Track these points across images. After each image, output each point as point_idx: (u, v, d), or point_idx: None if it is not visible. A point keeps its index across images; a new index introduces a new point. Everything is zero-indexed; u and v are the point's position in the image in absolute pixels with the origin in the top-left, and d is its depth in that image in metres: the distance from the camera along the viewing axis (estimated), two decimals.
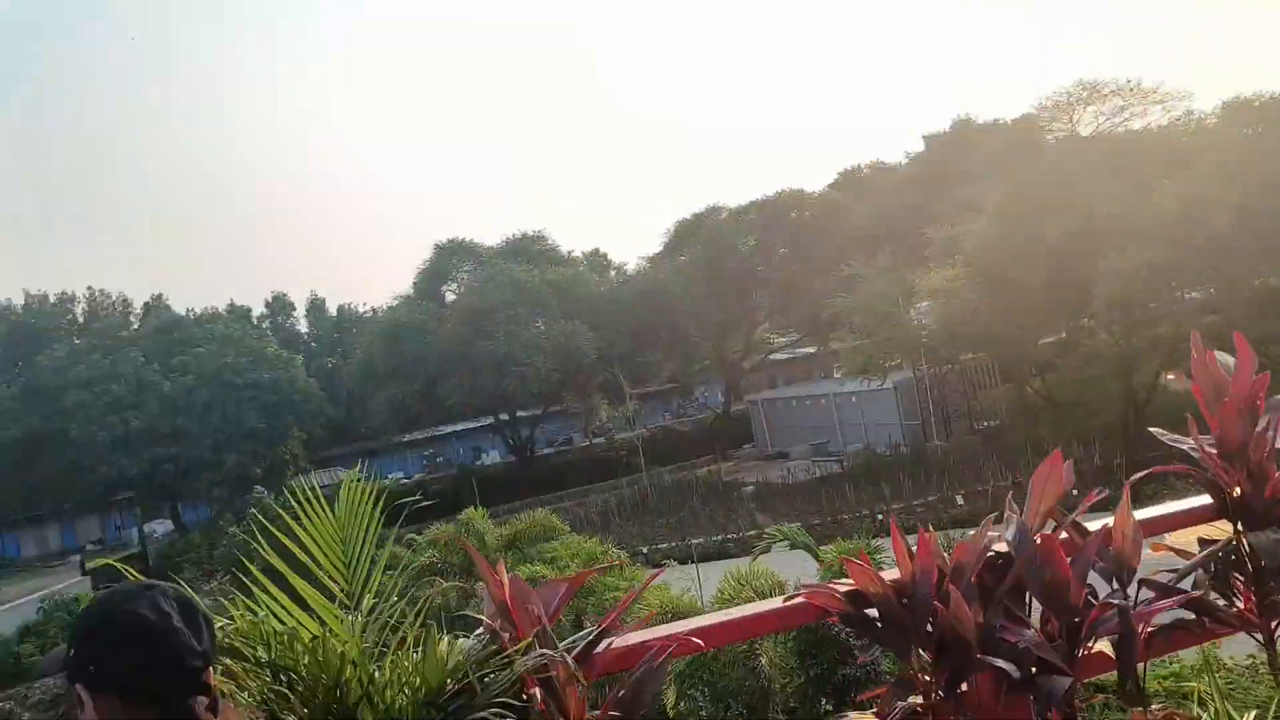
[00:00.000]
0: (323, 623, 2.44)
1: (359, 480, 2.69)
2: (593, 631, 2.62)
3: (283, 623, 2.40)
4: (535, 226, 61.46)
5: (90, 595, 32.63)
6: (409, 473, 56.17)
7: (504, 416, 51.53)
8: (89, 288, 70.55)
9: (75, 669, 1.54)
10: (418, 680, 2.43)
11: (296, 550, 2.60)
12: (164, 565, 37.47)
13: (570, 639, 2.63)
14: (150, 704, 1.52)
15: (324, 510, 2.61)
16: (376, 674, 2.40)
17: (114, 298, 68.94)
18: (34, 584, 40.43)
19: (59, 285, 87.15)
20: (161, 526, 48.87)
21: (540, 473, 48.39)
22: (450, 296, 52.06)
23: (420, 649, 2.49)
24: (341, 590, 2.57)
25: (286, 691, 2.36)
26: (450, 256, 52.84)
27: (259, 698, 2.42)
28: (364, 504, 2.63)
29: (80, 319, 66.23)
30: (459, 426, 59.11)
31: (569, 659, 2.44)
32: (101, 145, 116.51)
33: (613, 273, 56.59)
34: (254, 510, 25.06)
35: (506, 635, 2.52)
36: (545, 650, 2.43)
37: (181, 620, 1.57)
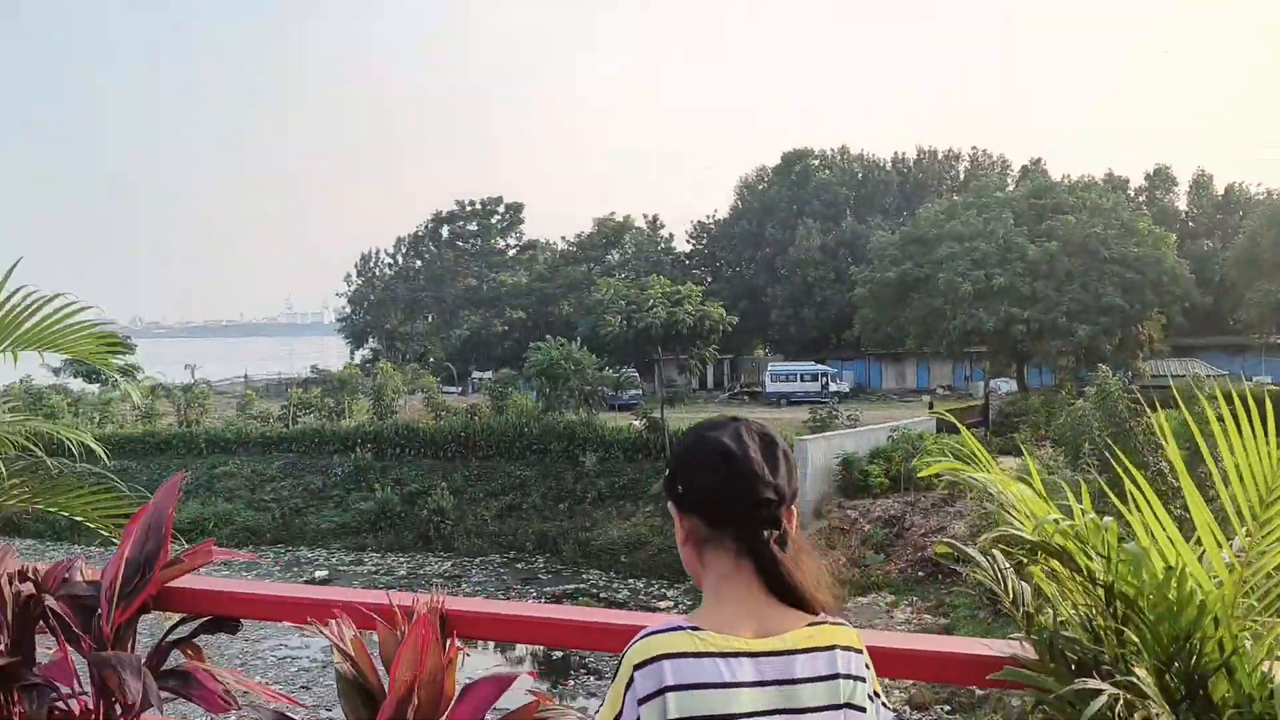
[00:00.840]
0: (1201, 555, 1.90)
1: None
2: None
3: (1151, 537, 1.89)
4: None
5: (932, 434, 35.05)
6: (1279, 379, 49.82)
7: None
8: (973, 147, 73.78)
9: (668, 489, 1.67)
10: None
11: (1208, 459, 1.97)
12: (1000, 422, 38.63)
13: None
14: (726, 528, 1.60)
15: (1262, 422, 1.90)
16: (1249, 644, 1.80)
17: (994, 158, 71.24)
18: (887, 413, 44.74)
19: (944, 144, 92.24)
20: (1005, 384, 50.30)
21: None
22: None
23: None
24: (1245, 531, 1.94)
25: (1118, 624, 1.89)
26: None
27: (1081, 614, 1.99)
28: None
29: (961, 176, 69.79)
30: None
31: None
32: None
33: None
34: (1096, 388, 24.22)
35: None
36: None
37: (760, 453, 1.61)
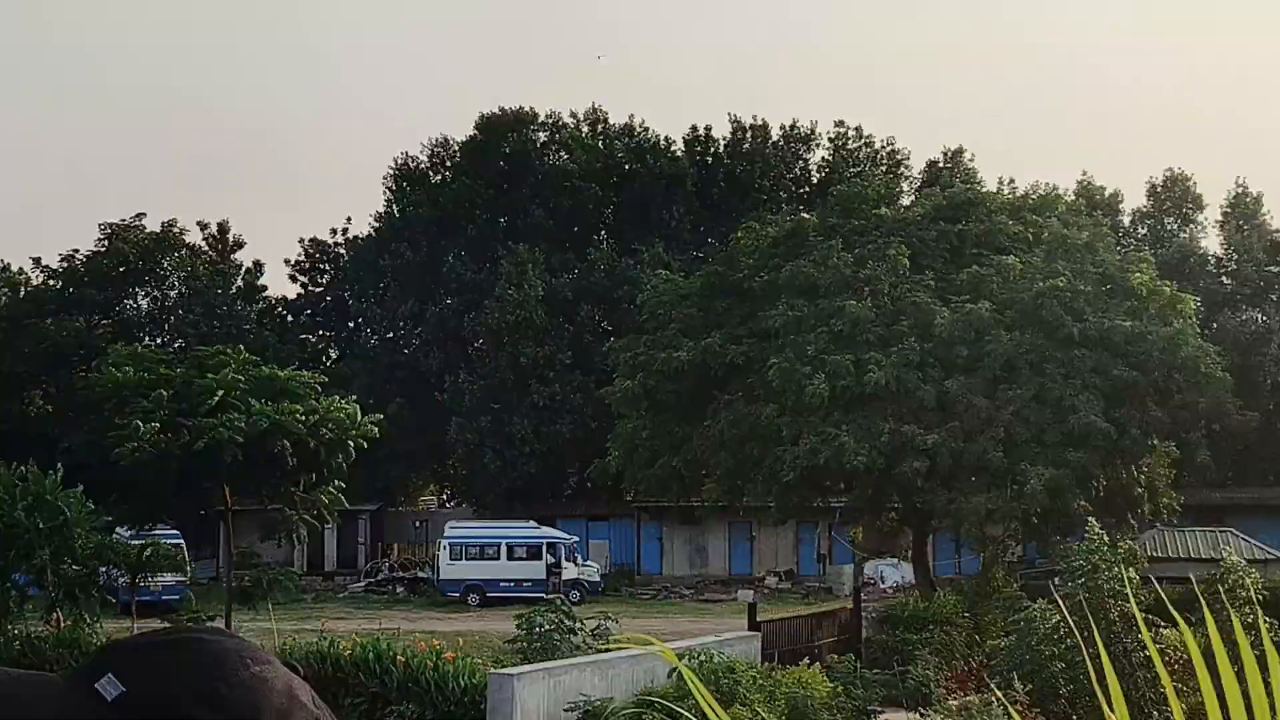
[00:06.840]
0: None
1: None
2: None
3: None
4: None
5: (755, 662, 34.32)
6: None
7: None
8: (838, 123, 76.28)
9: None
10: None
11: None
12: (885, 641, 38.62)
13: None
14: None
15: None
16: None
17: (880, 145, 73.76)
18: (669, 622, 44.28)
19: None
20: (891, 569, 51.35)
21: None
22: None
23: None
24: None
25: None
26: None
27: None
28: None
29: (814, 172, 71.71)
30: None
31: None
32: None
33: None
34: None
35: None
36: None
37: None
